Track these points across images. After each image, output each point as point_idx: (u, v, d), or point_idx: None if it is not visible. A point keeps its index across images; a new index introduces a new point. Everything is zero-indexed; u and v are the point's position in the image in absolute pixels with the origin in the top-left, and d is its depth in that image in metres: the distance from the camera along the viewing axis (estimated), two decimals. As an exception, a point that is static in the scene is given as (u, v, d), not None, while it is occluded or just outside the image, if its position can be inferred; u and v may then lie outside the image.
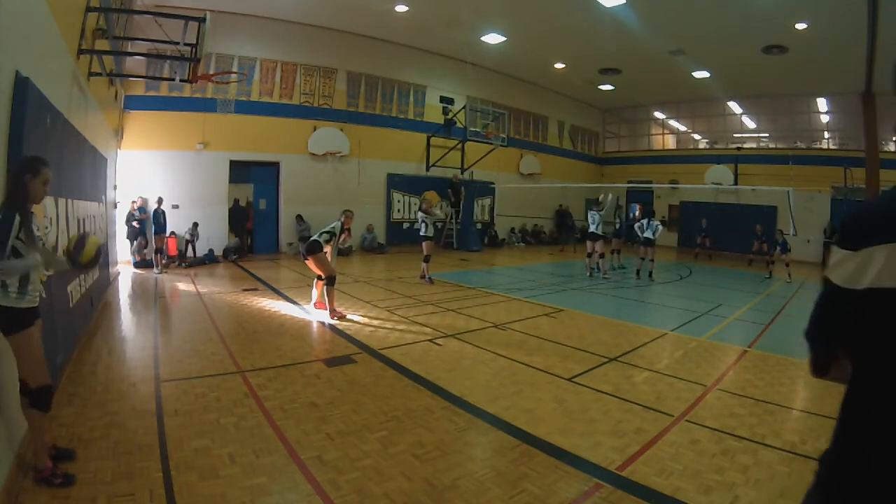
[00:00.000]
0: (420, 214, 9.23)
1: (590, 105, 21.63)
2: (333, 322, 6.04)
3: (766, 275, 12.13)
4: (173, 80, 7.16)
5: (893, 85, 0.95)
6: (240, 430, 3.12)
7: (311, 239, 6.44)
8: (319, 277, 6.50)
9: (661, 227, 10.66)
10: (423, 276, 9.28)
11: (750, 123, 18.62)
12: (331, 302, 6.25)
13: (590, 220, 10.58)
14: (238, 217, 12.29)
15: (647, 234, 10.51)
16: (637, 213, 10.99)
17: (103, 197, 7.03)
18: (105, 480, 2.48)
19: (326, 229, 6.47)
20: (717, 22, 11.34)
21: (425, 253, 9.07)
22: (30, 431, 2.57)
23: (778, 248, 12.06)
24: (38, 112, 3.21)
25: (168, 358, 4.56)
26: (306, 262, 6.41)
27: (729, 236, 16.72)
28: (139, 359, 4.59)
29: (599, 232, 10.41)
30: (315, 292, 6.71)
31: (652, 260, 10.59)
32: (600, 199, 10.94)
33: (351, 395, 3.79)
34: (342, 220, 6.54)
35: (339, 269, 6.87)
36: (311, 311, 6.55)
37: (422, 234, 9.09)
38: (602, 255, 10.61)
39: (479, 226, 16.97)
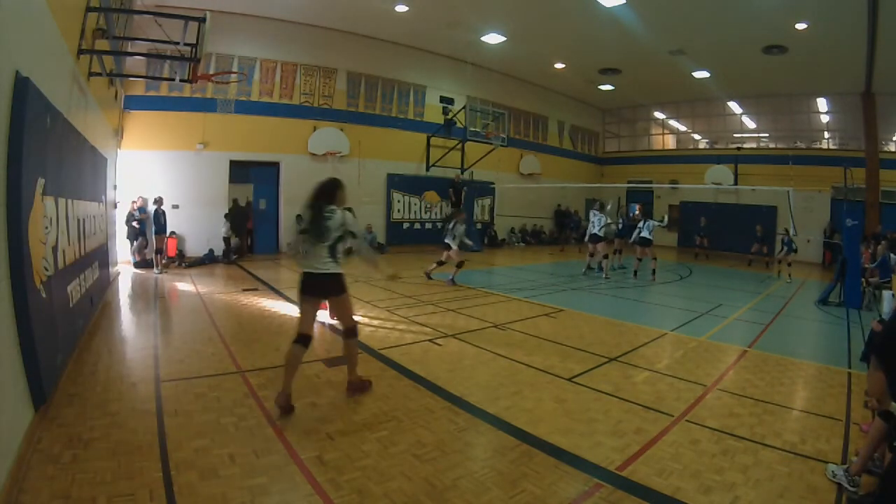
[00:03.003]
0: (459, 227, 9.06)
1: (590, 105, 21.63)
2: (333, 322, 6.04)
3: (773, 274, 12.06)
4: (173, 80, 7.15)
5: None
6: (240, 430, 3.12)
7: None
8: None
9: (655, 223, 10.60)
10: (428, 276, 9.25)
11: (750, 123, 18.61)
12: None
13: (595, 220, 10.67)
14: (238, 217, 12.30)
15: (644, 234, 10.46)
16: (637, 212, 10.99)
17: (103, 197, 7.03)
18: (105, 480, 2.48)
19: None
20: (717, 22, 11.34)
21: (458, 260, 8.99)
22: (347, 353, 3.83)
23: (784, 248, 11.98)
24: (38, 112, 3.21)
25: (168, 358, 4.56)
26: None
27: (729, 236, 16.72)
28: (139, 359, 4.59)
29: (601, 234, 10.50)
30: None
31: (654, 258, 10.56)
32: (602, 202, 11.05)
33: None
34: None
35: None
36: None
37: (447, 240, 9.01)
38: (606, 256, 10.69)
39: (479, 226, 16.97)
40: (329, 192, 3.67)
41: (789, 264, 11.75)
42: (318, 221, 3.55)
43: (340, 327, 3.87)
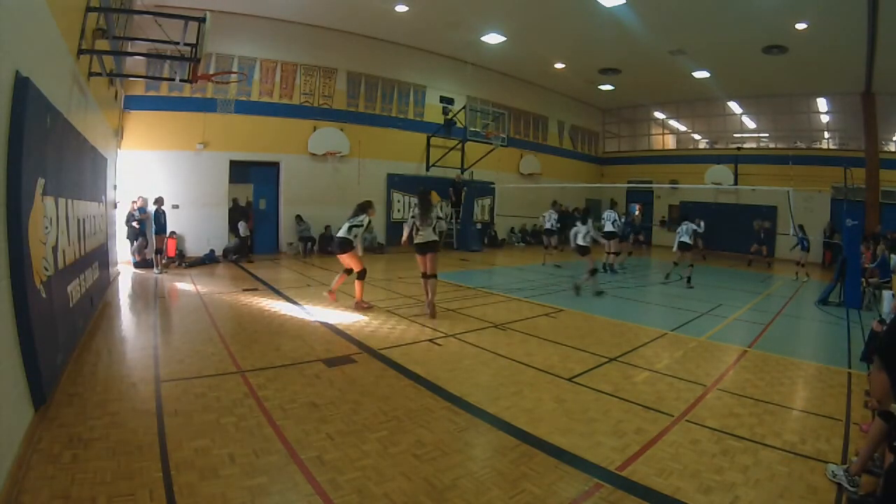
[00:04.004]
0: (581, 226, 8.57)
1: (590, 105, 21.62)
2: (333, 323, 6.04)
3: (799, 276, 11.77)
4: (173, 80, 7.14)
5: None
6: (240, 430, 3.12)
7: (341, 236, 6.76)
8: (346, 271, 6.92)
9: (695, 227, 9.89)
10: (577, 289, 8.50)
11: (750, 123, 18.61)
12: (360, 293, 6.83)
13: (605, 219, 11.11)
14: (238, 217, 12.31)
15: (684, 238, 9.69)
16: (637, 212, 11.02)
17: (103, 197, 7.03)
18: (105, 480, 2.48)
19: (355, 223, 6.76)
20: (717, 22, 11.33)
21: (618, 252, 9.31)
22: (431, 288, 6.50)
23: (799, 245, 11.87)
24: (38, 112, 3.21)
25: (168, 358, 4.56)
26: (339, 257, 6.89)
27: (728, 237, 16.70)
28: (139, 359, 4.59)
29: (617, 230, 11.09)
30: (335, 281, 7.08)
31: (691, 265, 9.94)
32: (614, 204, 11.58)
33: (351, 395, 3.79)
34: (370, 213, 6.93)
35: (338, 269, 7.00)
36: (311, 311, 6.56)
37: (580, 243, 8.51)
38: (618, 253, 11.27)
39: (478, 226, 16.96)
40: (429, 196, 6.42)
41: (803, 265, 11.70)
42: (427, 213, 6.38)
43: (429, 273, 6.44)
